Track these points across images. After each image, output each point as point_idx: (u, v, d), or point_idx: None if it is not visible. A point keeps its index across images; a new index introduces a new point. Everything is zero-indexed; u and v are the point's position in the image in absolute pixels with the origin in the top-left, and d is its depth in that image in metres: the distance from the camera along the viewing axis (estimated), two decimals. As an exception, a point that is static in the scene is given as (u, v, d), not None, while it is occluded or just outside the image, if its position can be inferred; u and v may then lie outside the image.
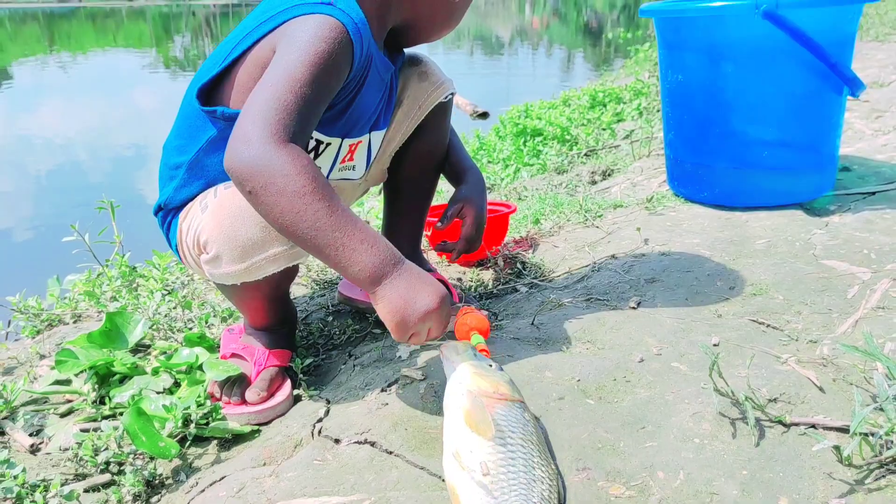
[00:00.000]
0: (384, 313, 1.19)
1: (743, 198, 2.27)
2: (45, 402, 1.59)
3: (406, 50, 1.61)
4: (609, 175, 3.31)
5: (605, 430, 1.24)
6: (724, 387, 1.25)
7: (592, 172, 3.34)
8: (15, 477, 1.25)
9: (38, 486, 1.26)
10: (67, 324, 2.14)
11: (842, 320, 1.55)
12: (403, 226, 1.79)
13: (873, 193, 2.33)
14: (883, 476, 1.09)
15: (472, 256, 2.08)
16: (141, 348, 1.73)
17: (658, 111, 4.53)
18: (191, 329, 1.79)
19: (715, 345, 1.48)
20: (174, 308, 1.89)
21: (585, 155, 3.83)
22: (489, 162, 4.24)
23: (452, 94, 1.66)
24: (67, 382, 1.62)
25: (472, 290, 1.92)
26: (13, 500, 1.23)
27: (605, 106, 4.97)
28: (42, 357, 1.78)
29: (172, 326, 1.80)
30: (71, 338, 1.89)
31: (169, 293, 2.11)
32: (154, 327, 1.77)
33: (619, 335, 1.56)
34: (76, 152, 6.76)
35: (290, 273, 1.44)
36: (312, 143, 1.44)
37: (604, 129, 4.36)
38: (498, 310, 1.81)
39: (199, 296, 2.11)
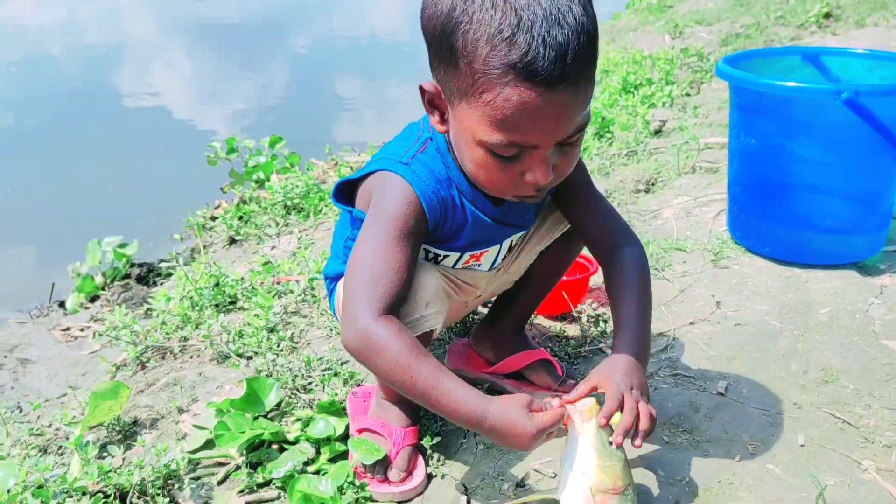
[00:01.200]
0: (502, 444, 1.42)
1: (802, 255, 2.45)
2: (198, 465, 1.77)
3: None
4: (653, 185, 3.45)
5: (722, 542, 1.46)
6: (825, 510, 1.46)
7: (636, 181, 3.48)
8: (210, 563, 1.44)
9: (228, 569, 1.46)
10: (174, 355, 2.30)
11: (909, 419, 1.76)
12: (516, 306, 1.95)
13: (920, 250, 2.52)
14: None
15: (555, 311, 2.25)
16: (276, 408, 1.90)
17: (692, 105, 4.65)
18: (314, 388, 1.96)
19: (801, 445, 1.69)
20: (292, 361, 2.06)
21: (626, 155, 3.96)
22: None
23: None
24: (213, 444, 1.80)
25: (563, 351, 2.10)
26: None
27: (636, 89, 5.05)
28: (181, 411, 1.96)
29: (296, 383, 1.97)
30: (198, 388, 2.07)
31: (272, 331, 2.27)
32: (284, 386, 1.94)
33: (712, 426, 1.76)
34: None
35: (425, 343, 1.61)
36: (430, 255, 1.63)
37: (636, 116, 4.46)
38: (586, 373, 1.99)
39: (301, 338, 2.28)
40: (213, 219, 4.07)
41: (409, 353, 1.39)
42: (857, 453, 1.67)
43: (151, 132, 5.83)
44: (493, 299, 2.01)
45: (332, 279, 1.79)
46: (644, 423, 1.42)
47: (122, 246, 3.64)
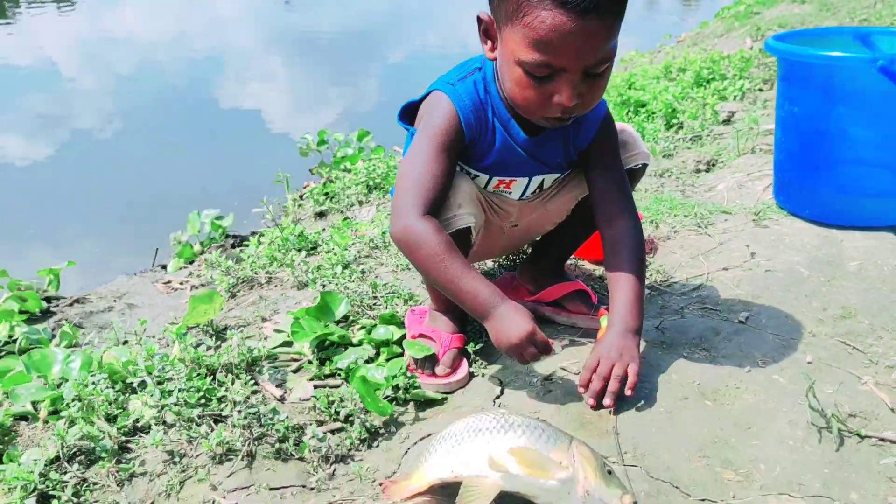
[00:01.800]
0: (492, 340, 1.73)
1: (840, 218, 2.59)
2: (276, 358, 2.07)
3: (619, 125, 1.97)
4: (713, 166, 3.61)
5: (720, 427, 1.65)
6: (815, 405, 1.64)
7: (697, 161, 3.65)
8: (281, 421, 1.73)
9: (296, 430, 1.75)
10: (262, 284, 2.63)
11: (916, 349, 1.91)
12: (557, 245, 2.18)
13: (961, 219, 2.62)
14: (932, 485, 1.48)
15: (599, 256, 2.46)
16: (344, 319, 2.19)
17: (763, 99, 4.75)
18: (379, 307, 2.25)
19: (809, 362, 1.86)
20: (361, 285, 2.35)
21: (690, 140, 4.12)
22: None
23: (645, 164, 2.03)
24: (290, 343, 2.10)
25: (603, 289, 2.31)
26: (279, 438, 1.72)
27: (708, 83, 5.19)
28: (264, 319, 2.27)
29: (363, 302, 2.26)
30: (279, 304, 2.39)
31: (345, 267, 2.57)
32: (352, 304, 2.23)
33: (730, 345, 1.95)
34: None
35: (461, 245, 1.85)
36: (464, 171, 1.89)
37: (705, 106, 4.60)
38: (625, 309, 2.20)
39: (372, 272, 2.57)
40: (302, 197, 4.43)
41: (443, 249, 1.68)
42: (860, 371, 1.83)
43: (249, 130, 6.29)
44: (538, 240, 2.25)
45: None
46: (613, 386, 1.72)
47: (218, 218, 4.02)
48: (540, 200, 2.03)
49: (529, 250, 2.32)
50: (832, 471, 1.53)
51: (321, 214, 3.96)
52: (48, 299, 3.10)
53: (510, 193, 1.97)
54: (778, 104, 2.69)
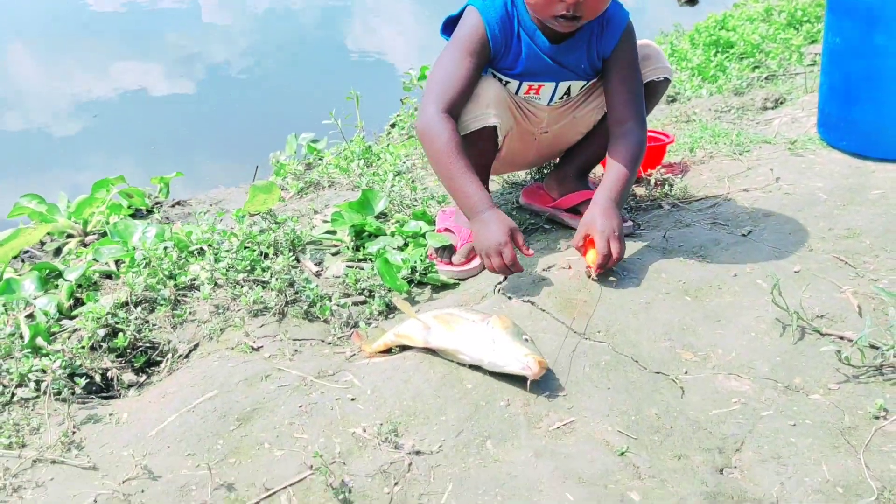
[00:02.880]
0: (476, 235, 1.94)
1: (878, 150, 2.63)
2: (320, 243, 2.36)
3: (639, 43, 2.14)
4: (780, 104, 3.64)
5: (691, 318, 1.83)
6: (780, 302, 1.78)
7: (765, 99, 3.67)
8: (312, 289, 2.02)
9: (325, 297, 2.03)
10: (325, 187, 2.93)
11: (907, 267, 2.00)
12: (582, 154, 2.36)
13: None
14: (872, 376, 1.62)
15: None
16: (382, 216, 2.46)
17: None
18: (416, 206, 2.49)
19: (796, 271, 1.99)
20: (403, 188, 2.61)
21: (766, 79, 4.12)
22: (677, 69, 4.58)
23: (667, 78, 2.21)
24: (334, 233, 2.38)
25: (627, 201, 2.48)
26: (309, 303, 2.01)
27: (801, 24, 5.09)
28: (315, 212, 2.57)
29: (403, 203, 2.52)
30: (332, 201, 2.67)
31: (398, 175, 2.83)
32: (391, 202, 2.49)
33: (725, 254, 2.09)
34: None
35: (488, 145, 2.10)
36: (496, 78, 2.09)
37: (793, 52, 4.56)
38: (642, 222, 2.37)
39: (420, 180, 2.82)
40: (393, 126, 4.69)
41: (453, 148, 1.92)
42: (843, 282, 1.95)
43: (365, 67, 6.60)
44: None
45: None
46: (612, 263, 1.93)
47: (314, 141, 4.34)
48: (568, 107, 2.21)
49: (558, 161, 2.50)
50: (784, 359, 1.68)
51: (409, 138, 4.22)
52: (157, 204, 3.50)
53: (539, 99, 2.16)
54: (825, 35, 2.73)
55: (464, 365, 1.66)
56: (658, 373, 1.67)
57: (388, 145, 3.31)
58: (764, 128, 3.19)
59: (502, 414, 1.55)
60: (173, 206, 3.51)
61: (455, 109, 1.97)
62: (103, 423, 1.58)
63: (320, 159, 4.30)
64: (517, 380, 1.60)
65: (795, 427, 1.48)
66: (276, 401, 1.60)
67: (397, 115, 4.94)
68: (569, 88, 2.14)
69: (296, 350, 1.82)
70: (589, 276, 1.95)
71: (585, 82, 2.15)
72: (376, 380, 1.66)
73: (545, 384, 1.62)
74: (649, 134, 2.41)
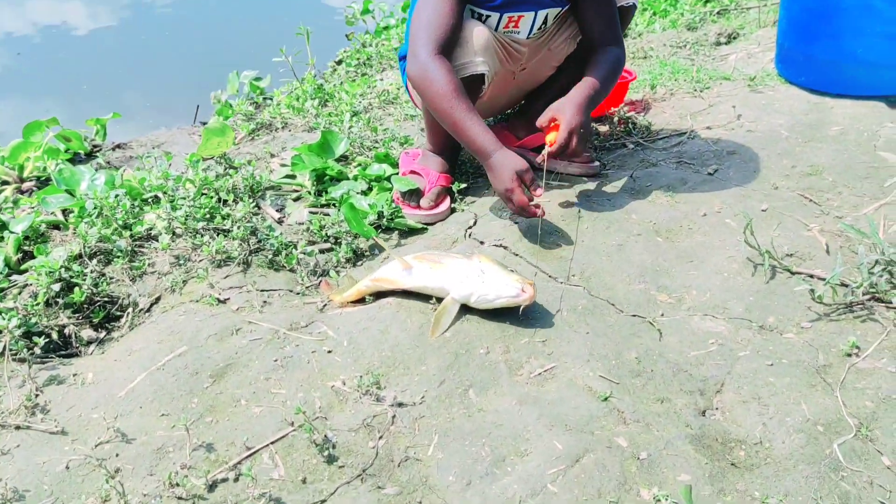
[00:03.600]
0: (490, 180, 1.89)
1: (835, 85, 2.65)
2: (280, 188, 2.28)
3: None
4: (734, 38, 3.62)
5: (664, 259, 1.82)
6: (753, 242, 1.79)
7: (719, 34, 3.65)
8: (276, 238, 1.95)
9: (290, 245, 1.97)
10: (278, 129, 2.82)
11: (869, 204, 2.02)
12: (547, 93, 2.29)
13: (957, 93, 2.65)
14: (843, 314, 1.64)
15: (593, 113, 2.58)
16: (343, 158, 2.38)
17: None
18: (378, 148, 2.42)
19: (763, 210, 2.00)
20: (363, 129, 2.53)
21: (718, 13, 4.10)
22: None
23: (635, 4, 2.18)
24: (293, 177, 2.30)
25: (591, 140, 2.45)
26: (274, 252, 1.94)
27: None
28: (272, 156, 2.47)
29: (363, 144, 2.44)
30: (289, 143, 2.58)
31: (355, 115, 2.74)
32: (352, 144, 2.41)
33: (693, 194, 2.09)
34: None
35: (472, 92, 2.01)
36: (476, 15, 2.01)
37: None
38: (607, 161, 2.34)
39: (379, 120, 2.73)
40: (339, 63, 4.54)
41: (452, 90, 1.85)
42: (809, 220, 1.96)
43: (299, 4, 6.34)
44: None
45: (403, 59, 2.20)
46: (565, 155, 1.93)
47: (257, 79, 4.16)
48: (544, 39, 2.15)
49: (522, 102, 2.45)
50: (757, 298, 1.70)
51: (354, 80, 4.09)
52: (96, 147, 3.34)
53: (519, 32, 2.09)
54: (785, -31, 2.71)
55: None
56: (635, 315, 1.66)
57: (341, 83, 3.20)
58: (721, 63, 3.17)
59: (482, 362, 1.53)
60: (114, 149, 3.36)
61: (447, 50, 1.90)
62: (68, 384, 1.51)
63: (264, 98, 4.16)
64: (498, 319, 1.59)
65: (773, 367, 1.50)
66: (250, 355, 1.55)
67: (344, 52, 4.80)
68: (546, 17, 2.08)
69: (265, 301, 1.76)
70: (539, 161, 1.95)
71: (561, 8, 2.09)
72: (352, 330, 1.61)
73: (523, 329, 1.61)
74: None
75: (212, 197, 2.09)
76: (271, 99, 3.52)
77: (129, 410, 1.41)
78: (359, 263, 1.97)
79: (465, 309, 1.64)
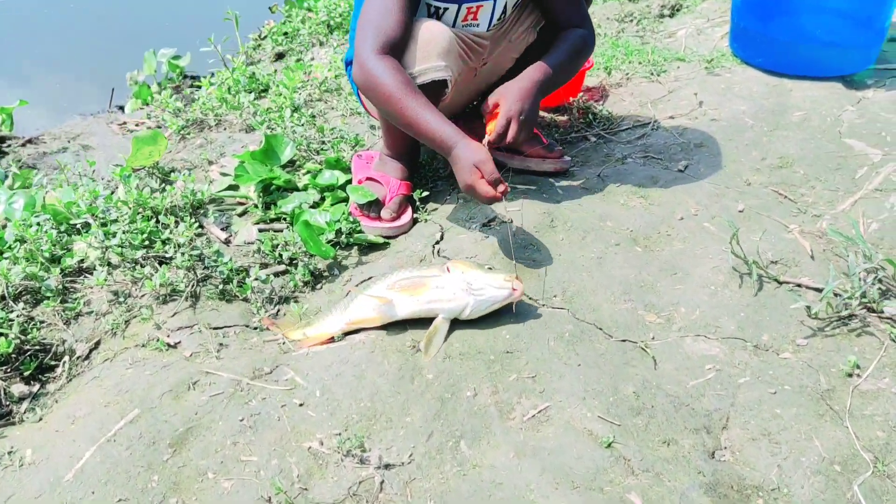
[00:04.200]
0: (455, 173, 1.74)
1: (793, 66, 2.59)
2: (222, 202, 2.09)
3: None
4: (678, 10, 3.54)
5: (647, 273, 1.72)
6: (739, 251, 1.70)
7: (662, 6, 3.56)
8: (225, 264, 1.77)
9: (241, 271, 1.79)
10: (211, 127, 2.60)
11: (844, 198, 1.97)
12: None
13: (911, 70, 2.63)
14: (837, 327, 1.57)
15: (552, 102, 2.46)
16: (290, 164, 2.19)
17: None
18: (326, 151, 2.24)
19: (740, 211, 1.92)
20: (308, 129, 2.34)
21: (657, -18, 4.00)
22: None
23: None
24: (236, 188, 2.11)
25: (552, 135, 2.32)
26: (224, 280, 1.76)
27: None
28: (210, 163, 2.27)
29: (310, 147, 2.25)
30: (227, 147, 2.37)
31: (295, 110, 2.54)
32: (298, 148, 2.22)
33: (666, 194, 1.99)
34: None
35: (433, 99, 1.86)
36: (432, 10, 1.85)
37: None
38: (571, 156, 2.22)
39: (322, 116, 2.54)
40: (262, 37, 4.27)
41: (403, 88, 1.69)
42: (788, 220, 1.89)
43: None
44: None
45: (349, 64, 2.02)
46: (509, 139, 1.79)
47: (175, 58, 3.88)
48: (503, 31, 2.00)
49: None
50: (748, 314, 1.61)
51: (280, 56, 3.84)
52: (2, 140, 3.04)
53: (478, 25, 1.93)
54: (740, -54, 2.61)
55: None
56: (625, 340, 1.56)
57: (274, 72, 2.98)
58: (671, 41, 3.08)
59: (471, 406, 1.41)
60: (24, 145, 3.09)
61: (395, 51, 1.73)
62: (3, 465, 1.32)
63: (191, 84, 3.89)
64: (482, 354, 1.46)
65: (776, 395, 1.42)
66: (212, 415, 1.39)
67: (267, 25, 4.53)
68: (505, 5, 1.93)
69: (220, 344, 1.59)
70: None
71: None
72: (323, 377, 1.46)
73: (509, 363, 1.49)
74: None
75: (149, 218, 1.89)
76: (198, 86, 3.27)
77: (79, 498, 1.23)
78: (318, 287, 1.81)
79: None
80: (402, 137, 1.98)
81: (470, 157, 1.69)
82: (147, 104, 3.70)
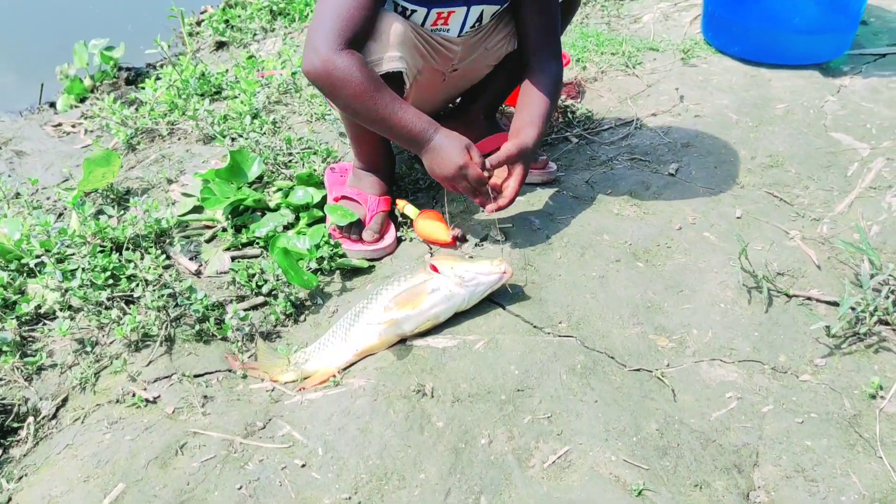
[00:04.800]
0: (427, 169, 1.67)
1: (769, 55, 2.53)
2: (187, 226, 1.93)
3: None
4: (638, -9, 3.45)
5: (653, 291, 1.64)
6: (747, 266, 1.63)
7: (622, -13, 3.47)
8: (199, 301, 1.62)
9: (216, 306, 1.65)
10: (163, 137, 2.42)
11: (840, 199, 1.92)
12: (488, 91, 2.04)
13: (884, 56, 2.59)
14: (854, 343, 1.52)
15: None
16: (259, 179, 2.04)
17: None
18: (295, 164, 2.09)
19: (738, 217, 1.85)
20: (274, 141, 2.18)
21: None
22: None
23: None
24: (201, 209, 1.95)
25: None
26: (199, 318, 1.62)
27: None
28: (169, 182, 2.09)
29: (277, 160, 2.10)
30: (186, 162, 2.20)
31: (255, 117, 2.37)
32: (266, 162, 2.07)
33: (660, 201, 1.91)
34: None
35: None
36: (400, 9, 1.72)
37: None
38: (553, 160, 2.12)
39: (284, 122, 2.39)
40: (199, 23, 4.04)
41: (371, 83, 1.56)
42: (787, 225, 1.83)
43: None
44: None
45: None
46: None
47: (108, 49, 3.63)
48: (479, 38, 1.88)
49: (458, 100, 2.18)
50: (762, 333, 1.55)
51: (221, 45, 3.64)
52: (-78, 144, 2.81)
53: (448, 31, 1.80)
54: (712, -69, 2.53)
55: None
56: (640, 370, 1.48)
57: (226, 71, 2.79)
58: (638, 27, 3.00)
59: (487, 456, 1.31)
60: (-54, 154, 2.86)
61: (357, 45, 1.58)
62: (-27, 561, 1.17)
63: (119, 69, 3.65)
64: (493, 396, 1.36)
65: (804, 425, 1.36)
66: (206, 484, 1.26)
67: (205, 11, 4.31)
68: (481, 14, 1.80)
69: (205, 396, 1.45)
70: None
71: (499, 7, 1.82)
72: (324, 432, 1.34)
73: (522, 403, 1.39)
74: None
75: (110, 252, 1.73)
76: (141, 86, 3.06)
77: None
78: (301, 319, 1.68)
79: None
80: (374, 146, 1.85)
81: (457, 141, 1.63)
82: (82, 101, 3.48)
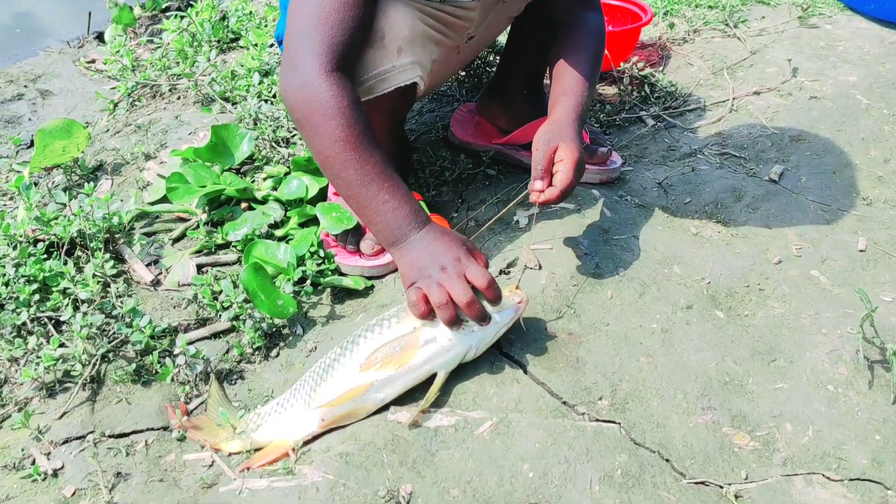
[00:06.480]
0: (411, 263, 1.15)
1: (917, 16, 1.97)
2: (157, 218, 1.58)
3: None
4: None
5: (734, 359, 1.20)
6: (870, 332, 1.17)
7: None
8: (142, 330, 1.27)
9: (166, 333, 1.30)
10: (164, 95, 2.07)
11: None
12: (527, 56, 1.59)
13: None
14: None
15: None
16: (249, 161, 1.67)
17: None
18: (296, 143, 1.71)
19: (861, 250, 1.38)
20: (274, 110, 1.79)
21: None
22: None
23: None
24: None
25: (596, 113, 1.76)
26: (141, 351, 1.28)
27: None
28: (147, 157, 1.74)
29: (276, 135, 1.72)
30: (172, 131, 1.84)
31: (265, 76, 1.99)
32: (259, 137, 1.69)
33: (754, 218, 1.45)
34: None
35: (404, 102, 1.38)
36: None
37: None
38: (622, 145, 1.67)
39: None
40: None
41: (355, 137, 1.13)
42: (930, 265, 1.35)
43: None
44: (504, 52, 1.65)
45: (282, 43, 1.45)
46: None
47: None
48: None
49: (494, 70, 1.73)
50: (885, 438, 1.10)
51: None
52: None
53: None
54: None
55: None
56: (705, 483, 1.06)
57: (249, 13, 2.40)
58: (746, -28, 2.44)
59: None
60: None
61: (350, 59, 1.17)
62: None
63: (187, 6, 3.31)
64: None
65: None
66: None
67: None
68: None
69: (118, 474, 1.11)
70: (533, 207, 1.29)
71: None
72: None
73: (534, 526, 1.00)
74: (618, 4, 1.71)
75: (42, 258, 1.39)
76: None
77: None
78: (273, 354, 1.32)
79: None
80: (385, 126, 1.42)
81: (456, 236, 1.17)
82: (128, 32, 3.17)
